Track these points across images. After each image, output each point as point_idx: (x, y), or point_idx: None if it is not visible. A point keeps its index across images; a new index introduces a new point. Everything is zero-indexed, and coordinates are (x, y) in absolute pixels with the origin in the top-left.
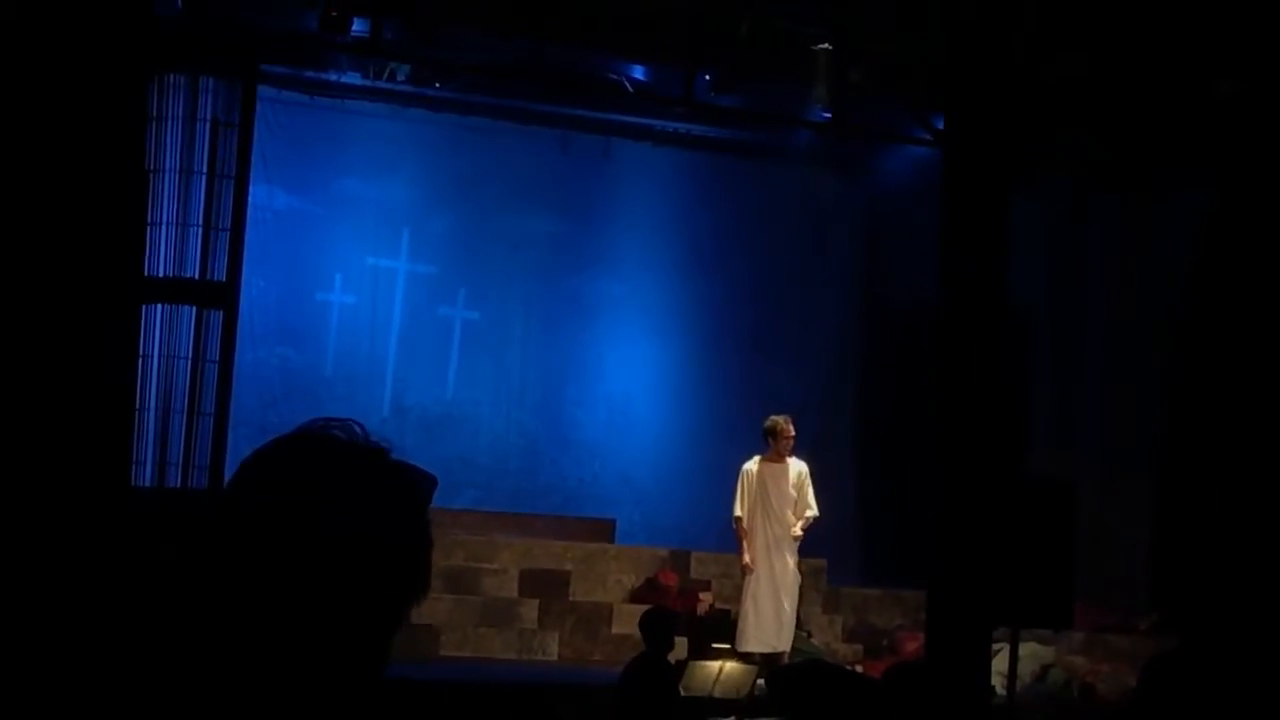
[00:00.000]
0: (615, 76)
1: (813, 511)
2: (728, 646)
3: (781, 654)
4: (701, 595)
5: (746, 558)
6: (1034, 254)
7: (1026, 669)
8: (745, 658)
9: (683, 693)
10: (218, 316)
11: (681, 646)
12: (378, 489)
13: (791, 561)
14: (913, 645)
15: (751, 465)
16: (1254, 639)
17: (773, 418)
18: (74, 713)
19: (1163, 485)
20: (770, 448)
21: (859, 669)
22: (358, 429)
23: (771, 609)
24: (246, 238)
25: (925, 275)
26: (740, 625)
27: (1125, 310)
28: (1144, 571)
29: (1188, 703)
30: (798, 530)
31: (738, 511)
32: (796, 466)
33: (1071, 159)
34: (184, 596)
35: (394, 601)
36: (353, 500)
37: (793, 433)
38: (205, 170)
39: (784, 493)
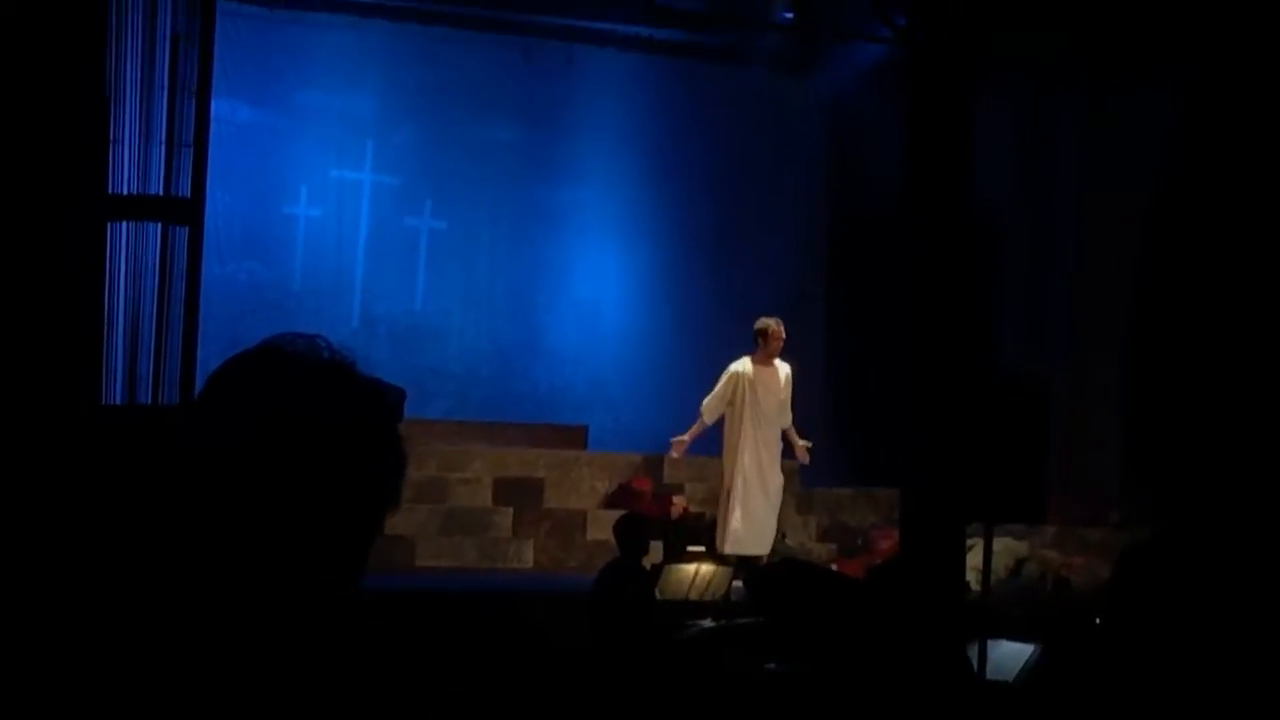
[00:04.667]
0: None
1: (789, 419)
2: (702, 549)
3: (759, 556)
4: (675, 499)
5: (685, 437)
6: (1002, 150)
7: (1000, 564)
8: (722, 559)
9: (659, 596)
10: (183, 232)
11: (656, 551)
12: (342, 402)
13: (779, 467)
14: (887, 543)
15: (742, 367)
16: (1226, 527)
17: (763, 319)
18: (45, 634)
19: (1133, 378)
20: (760, 349)
21: (834, 568)
22: (322, 343)
23: (760, 513)
24: (210, 153)
25: (890, 174)
26: (724, 527)
27: (1094, 204)
28: (1115, 464)
29: (1162, 592)
30: (803, 448)
31: (708, 403)
32: (784, 369)
33: (1037, 54)
34: (156, 515)
35: (366, 514)
36: (317, 413)
37: (784, 335)
38: (166, 86)
39: (774, 397)
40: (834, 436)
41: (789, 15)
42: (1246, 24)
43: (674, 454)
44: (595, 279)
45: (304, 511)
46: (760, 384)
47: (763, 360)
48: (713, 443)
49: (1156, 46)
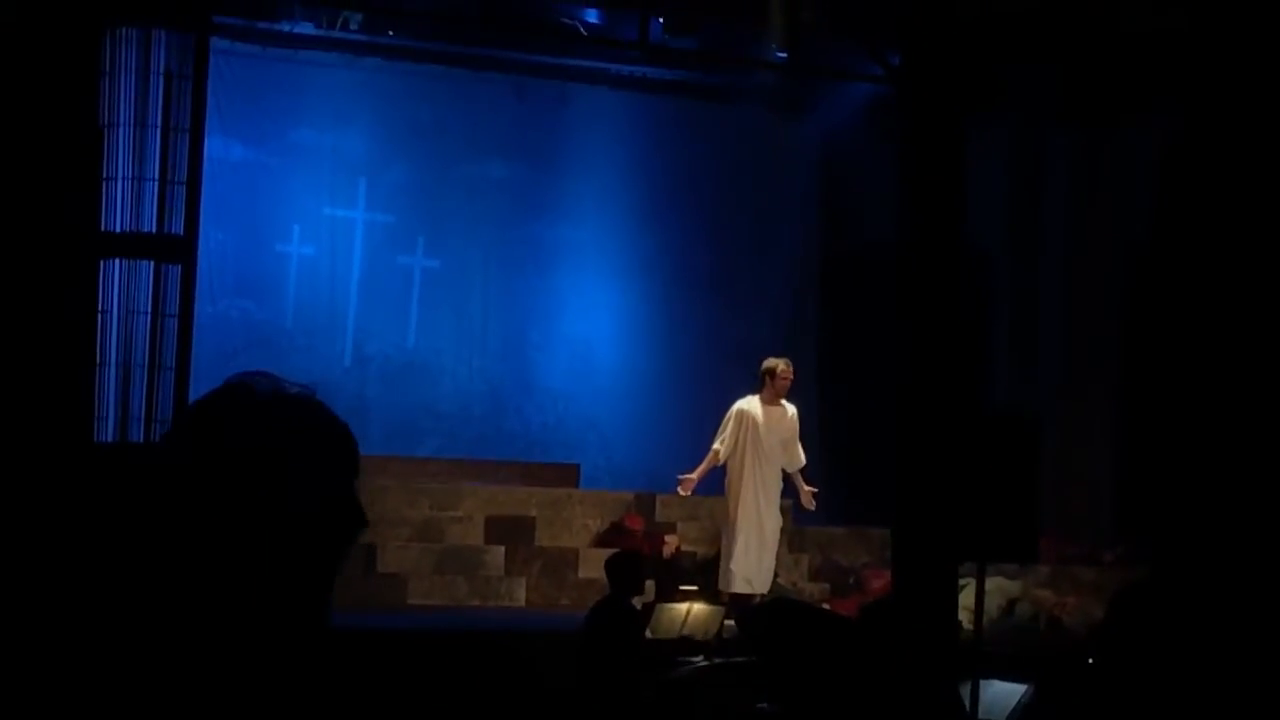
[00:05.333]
0: (569, 21)
1: (802, 461)
2: (695, 589)
3: (755, 595)
4: (667, 538)
5: (693, 475)
6: (994, 184)
7: (993, 603)
8: (716, 598)
9: (650, 635)
10: (176, 270)
11: (648, 590)
12: (303, 432)
13: (777, 506)
14: (879, 583)
15: (750, 407)
16: (1222, 566)
17: (771, 359)
18: (33, 668)
19: (1125, 415)
20: (766, 388)
21: (826, 607)
22: (283, 380)
23: (757, 551)
24: (203, 191)
25: (882, 213)
26: (725, 565)
27: (1085, 239)
28: (1109, 503)
29: (1155, 633)
30: (808, 493)
31: (717, 445)
32: (790, 408)
33: (1031, 89)
34: (129, 550)
35: (325, 546)
36: (280, 444)
37: (792, 375)
38: (160, 124)
39: (777, 436)
40: (826, 475)
41: (782, 54)
42: (1239, 65)
43: (682, 491)
44: (587, 317)
45: (273, 536)
46: (764, 424)
47: (769, 399)
48: (713, 483)
49: (1149, 82)
